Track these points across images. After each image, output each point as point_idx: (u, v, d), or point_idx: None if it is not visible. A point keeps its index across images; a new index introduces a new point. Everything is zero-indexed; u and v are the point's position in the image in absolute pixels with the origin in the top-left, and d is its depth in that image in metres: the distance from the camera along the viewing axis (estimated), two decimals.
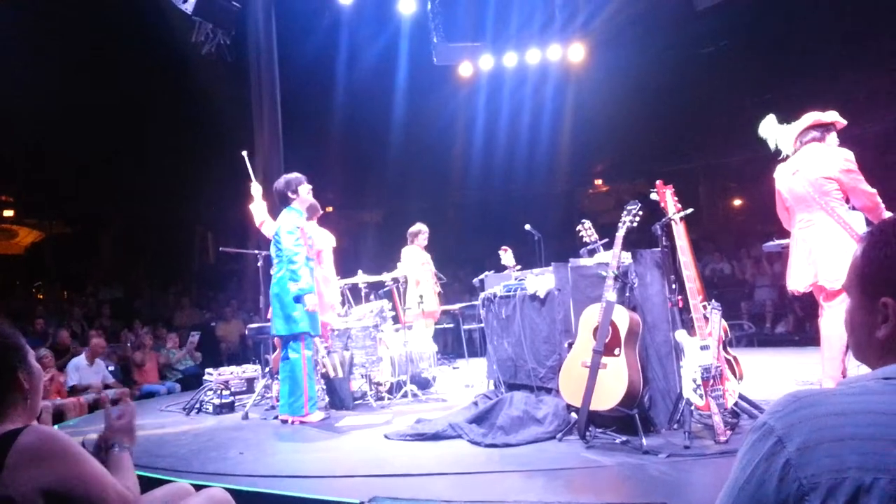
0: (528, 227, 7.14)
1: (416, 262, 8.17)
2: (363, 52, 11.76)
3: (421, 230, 8.35)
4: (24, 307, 11.54)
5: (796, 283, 4.30)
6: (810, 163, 4.29)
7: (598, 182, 17.36)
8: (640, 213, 4.17)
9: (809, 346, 8.90)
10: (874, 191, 4.18)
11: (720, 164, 14.80)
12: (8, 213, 16.15)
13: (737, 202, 16.18)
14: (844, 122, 4.46)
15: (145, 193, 14.64)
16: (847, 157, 4.18)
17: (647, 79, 12.42)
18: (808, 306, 10.89)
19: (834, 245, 4.11)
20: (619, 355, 3.94)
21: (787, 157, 4.53)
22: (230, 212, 13.82)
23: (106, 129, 12.88)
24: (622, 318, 3.98)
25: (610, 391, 3.88)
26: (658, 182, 4.27)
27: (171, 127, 13.08)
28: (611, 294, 3.97)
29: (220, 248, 8.99)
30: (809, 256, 4.21)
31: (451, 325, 10.56)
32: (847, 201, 4.26)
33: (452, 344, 11.23)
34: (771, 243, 5.35)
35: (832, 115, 4.43)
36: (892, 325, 1.03)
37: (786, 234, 4.96)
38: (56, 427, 6.63)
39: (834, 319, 4.09)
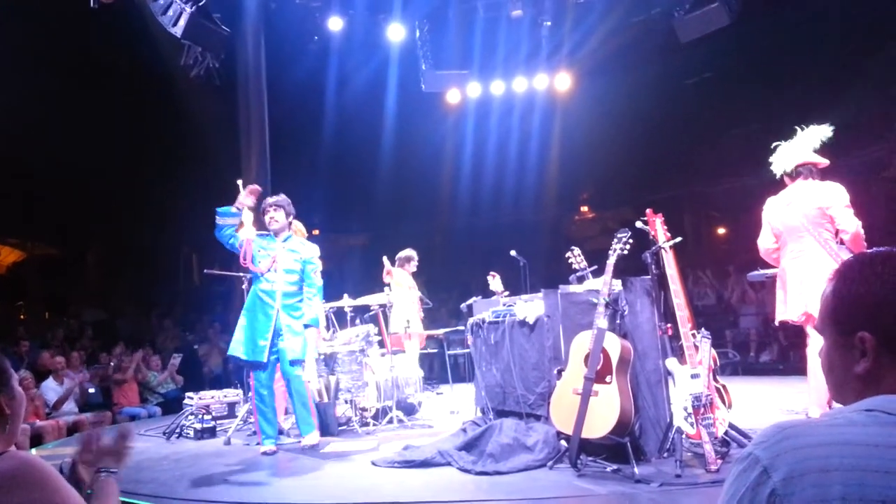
0: (513, 252, 7.16)
1: (404, 286, 8.15)
2: (352, 77, 11.83)
3: (412, 257, 8.36)
4: (5, 328, 11.35)
5: (790, 312, 4.36)
6: (805, 195, 4.44)
7: (585, 209, 17.49)
8: (631, 240, 4.21)
9: (794, 375, 8.95)
10: (859, 223, 4.30)
11: (705, 193, 14.96)
12: None
13: (721, 231, 16.34)
14: (827, 162, 4.60)
15: (130, 214, 14.52)
16: (842, 191, 4.33)
17: (633, 108, 12.60)
18: (792, 335, 10.96)
19: (824, 275, 4.19)
20: (610, 383, 3.94)
21: (781, 179, 4.64)
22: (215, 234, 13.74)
23: (91, 149, 12.80)
24: (614, 345, 3.98)
25: (602, 419, 3.88)
26: (648, 210, 4.32)
27: (158, 149, 13.04)
28: (602, 321, 3.99)
29: (205, 271, 8.92)
30: (801, 286, 4.28)
31: (436, 350, 10.51)
32: (836, 235, 4.37)
33: (437, 369, 11.18)
34: (756, 273, 5.42)
35: (822, 159, 4.59)
36: (871, 359, 1.04)
37: (764, 264, 5.04)
38: (34, 450, 6.50)
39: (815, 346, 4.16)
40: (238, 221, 5.55)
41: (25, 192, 13.79)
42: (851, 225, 4.35)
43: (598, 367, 3.95)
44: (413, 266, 8.35)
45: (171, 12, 8.21)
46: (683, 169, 14.13)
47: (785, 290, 4.50)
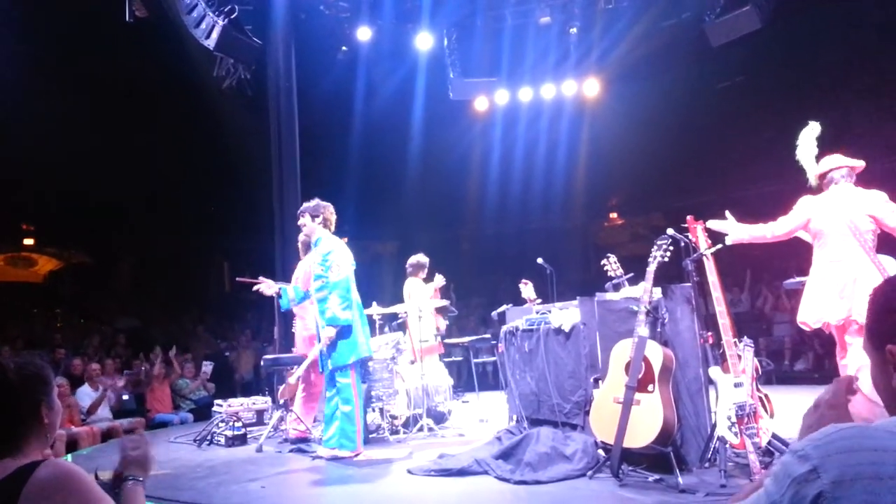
0: (540, 260, 7.08)
1: (425, 295, 7.90)
2: (380, 86, 11.92)
3: (423, 263, 7.87)
4: (43, 335, 11.58)
5: (827, 314, 4.26)
6: (850, 200, 4.36)
7: (614, 216, 17.35)
8: (672, 247, 4.15)
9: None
10: None
11: (737, 199, 14.74)
12: (28, 241, 16.33)
13: None
14: (863, 164, 4.52)
15: (163, 223, 14.76)
16: (885, 198, 4.29)
17: (663, 113, 12.49)
18: (827, 343, 10.73)
19: (871, 282, 4.11)
20: (652, 392, 3.89)
21: (813, 187, 4.54)
22: (247, 242, 13.91)
23: (125, 160, 13.06)
24: (655, 353, 3.93)
25: (644, 428, 3.83)
26: (689, 217, 4.27)
27: (191, 158, 13.24)
28: (643, 329, 3.94)
29: (237, 279, 9.00)
30: (843, 290, 4.19)
31: (461, 359, 10.46)
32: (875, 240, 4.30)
33: (465, 377, 11.14)
34: (791, 280, 5.31)
35: (859, 162, 4.50)
36: None
37: (800, 271, 4.93)
38: (69, 456, 6.60)
39: (860, 352, 4.06)
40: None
41: (63, 203, 14.10)
42: None
43: (640, 376, 3.90)
44: (425, 273, 7.86)
45: (203, 25, 8.33)
46: (715, 174, 13.96)
47: (821, 291, 4.39)
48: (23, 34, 9.75)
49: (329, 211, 5.71)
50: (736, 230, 4.53)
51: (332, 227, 5.73)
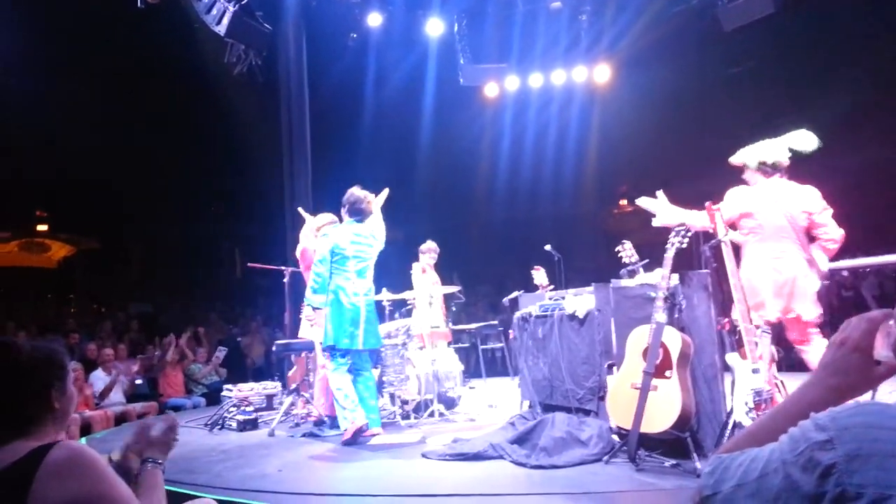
0: (548, 247, 7.08)
1: (429, 281, 7.73)
2: (391, 72, 11.89)
3: (431, 248, 7.81)
4: (56, 320, 11.71)
5: (768, 312, 4.29)
6: (787, 196, 4.37)
7: (624, 202, 17.29)
8: (689, 234, 4.15)
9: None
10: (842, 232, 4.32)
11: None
12: (42, 227, 16.48)
13: None
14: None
15: (175, 210, 14.85)
16: (819, 195, 4.35)
17: (674, 99, 12.41)
18: (836, 331, 10.70)
19: (809, 280, 4.27)
20: (670, 377, 3.90)
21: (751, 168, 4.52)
22: (257, 228, 13.99)
23: (137, 146, 13.12)
24: (674, 339, 3.94)
25: (662, 414, 3.84)
26: (707, 203, 4.27)
27: (201, 145, 13.28)
28: (661, 315, 3.94)
29: (248, 264, 9.06)
30: (783, 288, 4.22)
31: (467, 345, 10.47)
32: (812, 240, 4.34)
33: (472, 364, 11.17)
34: None
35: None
36: None
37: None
38: (84, 439, 6.69)
39: (821, 346, 4.11)
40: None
41: (76, 190, 14.20)
42: (838, 233, 4.31)
43: (658, 362, 3.90)
44: (429, 258, 7.78)
45: (214, 11, 8.31)
46: (726, 161, 13.87)
47: (763, 287, 4.34)
48: (35, 24, 9.78)
49: (349, 199, 5.81)
50: (665, 213, 4.46)
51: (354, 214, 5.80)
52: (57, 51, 10.69)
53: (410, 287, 7.59)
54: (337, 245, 5.56)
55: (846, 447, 0.92)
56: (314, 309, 5.59)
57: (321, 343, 5.66)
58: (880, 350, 1.08)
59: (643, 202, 4.64)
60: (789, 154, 4.47)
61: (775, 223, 4.32)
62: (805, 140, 4.47)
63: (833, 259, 4.50)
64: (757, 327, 3.94)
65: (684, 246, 4.14)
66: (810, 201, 4.31)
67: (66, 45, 10.82)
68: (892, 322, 1.09)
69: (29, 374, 1.72)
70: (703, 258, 4.19)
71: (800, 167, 4.50)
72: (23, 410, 1.70)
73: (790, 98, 12.23)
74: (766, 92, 12.45)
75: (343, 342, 5.39)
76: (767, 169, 4.46)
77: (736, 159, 4.68)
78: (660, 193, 4.58)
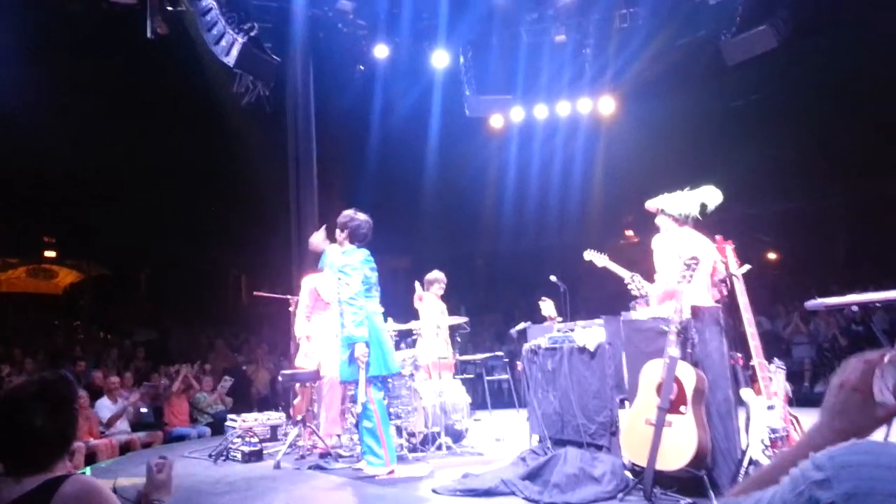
0: (553, 278, 7.06)
1: (437, 311, 7.72)
2: (397, 103, 12.02)
3: (438, 279, 7.74)
4: (63, 347, 11.73)
5: None
6: (704, 244, 4.63)
7: (629, 233, 17.29)
8: (699, 267, 4.16)
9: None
10: None
11: (752, 217, 14.68)
12: (50, 253, 16.60)
13: (771, 255, 15.97)
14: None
15: (182, 238, 14.94)
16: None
17: (678, 131, 12.49)
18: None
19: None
20: (685, 413, 3.86)
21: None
22: (264, 256, 14.04)
23: (145, 175, 13.27)
24: (688, 374, 3.91)
25: (678, 450, 3.80)
26: (718, 237, 4.29)
27: (209, 174, 13.41)
28: (674, 349, 3.92)
29: (254, 293, 9.09)
30: None
31: (472, 377, 10.37)
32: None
33: (479, 396, 11.09)
34: (814, 301, 5.26)
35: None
36: None
37: (821, 292, 4.90)
38: (88, 468, 6.66)
39: None
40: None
41: (83, 216, 14.31)
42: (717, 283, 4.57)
43: (672, 397, 3.87)
44: (437, 289, 7.71)
45: (223, 42, 8.46)
46: (730, 192, 13.86)
47: None
48: (45, 51, 9.96)
49: (361, 226, 5.60)
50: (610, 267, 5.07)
51: (357, 239, 5.58)
52: (66, 79, 10.85)
53: (416, 316, 7.56)
54: (365, 276, 5.46)
55: (844, 486, 0.94)
56: (366, 344, 5.21)
57: (350, 374, 5.33)
58: (878, 394, 1.10)
59: (589, 255, 5.31)
60: (699, 208, 4.84)
61: (704, 268, 4.57)
62: (712, 196, 4.90)
63: (843, 293, 4.57)
64: (771, 363, 3.92)
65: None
66: (712, 250, 4.57)
67: (77, 74, 10.99)
68: (887, 361, 1.11)
69: (44, 409, 1.76)
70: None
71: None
72: (38, 444, 1.74)
73: (794, 131, 12.30)
74: (771, 124, 12.52)
75: (394, 366, 5.44)
76: (681, 218, 4.81)
77: (653, 205, 5.04)
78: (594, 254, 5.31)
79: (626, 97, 11.49)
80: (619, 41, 10.37)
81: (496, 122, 11.60)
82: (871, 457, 0.96)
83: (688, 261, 4.19)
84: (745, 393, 3.87)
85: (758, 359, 3.86)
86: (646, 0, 9.89)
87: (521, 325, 6.46)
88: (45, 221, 15.42)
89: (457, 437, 6.72)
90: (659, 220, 4.92)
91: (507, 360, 10.29)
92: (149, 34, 8.30)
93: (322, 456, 6.06)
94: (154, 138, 12.50)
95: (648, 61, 10.48)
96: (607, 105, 11.26)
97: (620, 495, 4.01)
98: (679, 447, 3.80)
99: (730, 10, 9.09)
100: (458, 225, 15.36)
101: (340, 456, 6.12)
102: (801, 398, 10.11)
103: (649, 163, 13.11)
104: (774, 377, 3.82)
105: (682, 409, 3.88)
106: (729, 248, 4.25)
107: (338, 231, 5.64)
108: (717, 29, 9.47)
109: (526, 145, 12.91)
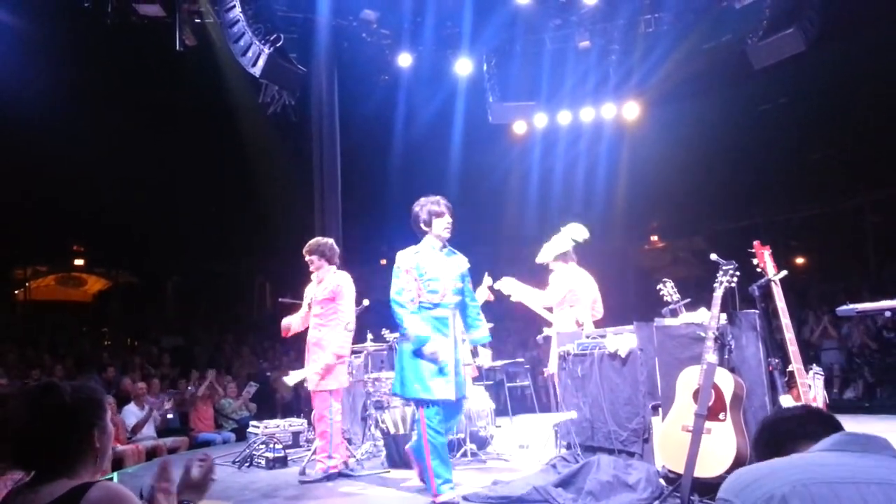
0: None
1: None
2: (420, 110, 12.06)
3: None
4: (91, 354, 11.90)
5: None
6: (586, 278, 6.21)
7: (654, 238, 17.15)
8: (738, 273, 4.11)
9: (881, 413, 8.49)
10: None
11: (780, 222, 14.48)
12: (79, 261, 16.88)
13: (799, 260, 15.73)
14: None
15: (208, 245, 15.11)
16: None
17: (704, 136, 12.37)
18: (879, 371, 10.43)
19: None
20: (724, 420, 3.81)
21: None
22: (288, 263, 14.15)
23: (172, 184, 13.45)
24: (726, 381, 3.87)
25: (716, 458, 3.75)
26: (756, 242, 4.25)
27: (235, 182, 13.57)
28: (711, 356, 3.87)
29: (279, 300, 9.12)
30: None
31: (491, 382, 10.30)
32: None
33: (501, 402, 11.01)
34: (845, 307, 5.17)
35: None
36: None
37: (851, 297, 4.83)
38: (115, 474, 6.73)
39: None
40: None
41: (112, 225, 14.54)
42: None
43: (710, 404, 3.82)
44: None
45: (250, 53, 8.54)
46: (757, 197, 13.74)
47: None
48: (73, 62, 10.15)
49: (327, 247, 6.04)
50: (519, 292, 6.09)
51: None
52: (95, 89, 11.04)
53: None
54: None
55: (727, 494, 1.42)
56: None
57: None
58: None
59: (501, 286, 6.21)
60: (571, 244, 5.97)
61: (591, 295, 6.01)
62: (578, 231, 6.09)
63: (874, 299, 4.64)
64: (809, 369, 3.86)
65: (733, 285, 4.09)
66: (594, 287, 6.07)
67: (106, 84, 11.19)
68: None
69: (72, 415, 1.76)
70: (752, 297, 4.14)
71: None
72: (66, 451, 1.73)
73: (821, 135, 12.13)
74: (798, 129, 12.36)
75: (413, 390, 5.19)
76: (562, 257, 6.07)
77: (543, 260, 6.22)
78: (507, 279, 6.30)
79: (651, 102, 11.40)
80: (644, 46, 10.29)
81: (519, 128, 11.57)
82: (751, 473, 1.44)
83: (725, 265, 4.14)
84: (785, 400, 3.81)
85: (796, 364, 3.79)
86: (671, 4, 9.80)
87: (547, 332, 6.44)
88: (75, 230, 15.69)
89: (481, 443, 6.69)
90: (552, 267, 6.13)
91: (528, 366, 10.25)
92: (178, 46, 8.43)
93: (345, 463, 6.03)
94: (182, 148, 12.67)
95: (674, 66, 10.38)
96: (632, 110, 11.18)
97: (656, 503, 3.96)
98: (718, 454, 3.75)
99: (756, 13, 8.97)
100: (481, 231, 15.34)
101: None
102: (830, 405, 9.96)
103: (674, 168, 13.02)
104: (813, 384, 3.75)
105: (720, 415, 3.83)
106: (766, 253, 4.19)
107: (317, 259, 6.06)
108: (744, 33, 9.35)
109: (549, 151, 12.87)
